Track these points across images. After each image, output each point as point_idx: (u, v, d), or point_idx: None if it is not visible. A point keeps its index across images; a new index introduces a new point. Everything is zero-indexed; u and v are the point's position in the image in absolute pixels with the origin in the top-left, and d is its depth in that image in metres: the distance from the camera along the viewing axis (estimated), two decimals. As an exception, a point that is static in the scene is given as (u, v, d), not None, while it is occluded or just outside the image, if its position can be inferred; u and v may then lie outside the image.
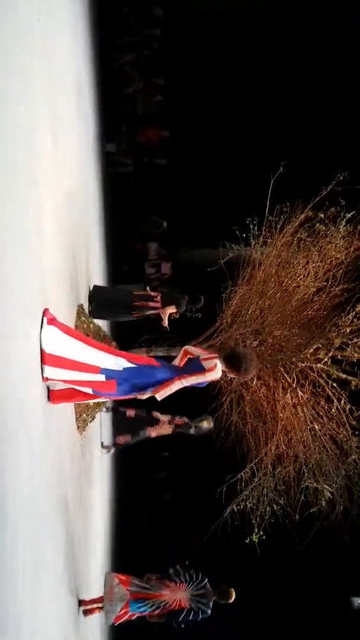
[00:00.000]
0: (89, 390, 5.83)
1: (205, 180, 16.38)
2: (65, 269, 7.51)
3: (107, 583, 8.25)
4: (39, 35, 6.16)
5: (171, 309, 10.33)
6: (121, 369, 5.87)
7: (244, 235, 10.83)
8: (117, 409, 11.46)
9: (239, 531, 10.35)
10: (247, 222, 10.72)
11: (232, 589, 8.23)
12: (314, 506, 10.32)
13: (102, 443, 11.58)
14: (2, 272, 4.22)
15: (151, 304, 10.35)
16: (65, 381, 5.68)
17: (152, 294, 10.54)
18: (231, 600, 8.20)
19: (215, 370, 6.13)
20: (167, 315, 10.32)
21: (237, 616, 14.43)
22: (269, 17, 16.05)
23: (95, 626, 9.99)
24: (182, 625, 8.12)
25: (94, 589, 8.61)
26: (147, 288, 11.00)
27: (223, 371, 6.24)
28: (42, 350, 5.37)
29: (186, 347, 6.53)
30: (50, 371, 5.47)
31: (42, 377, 5.44)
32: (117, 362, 5.88)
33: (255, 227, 10.71)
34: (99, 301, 10.14)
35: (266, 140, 15.17)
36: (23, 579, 4.28)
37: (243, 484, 10.51)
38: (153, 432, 11.21)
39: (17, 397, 4.43)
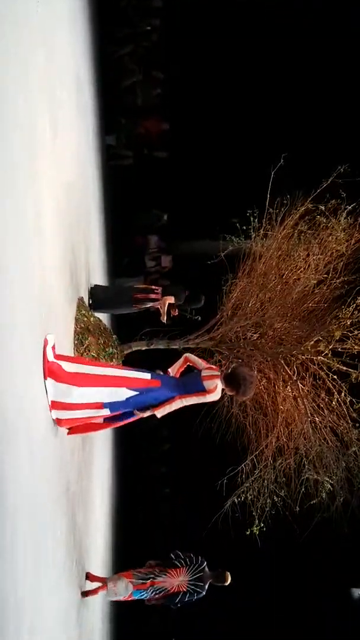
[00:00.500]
0: (99, 420, 6.11)
1: (205, 173, 16.32)
2: (66, 263, 7.53)
3: (110, 579, 8.36)
4: (38, 32, 6.15)
5: (169, 299, 10.36)
6: (124, 399, 5.98)
7: (245, 227, 10.82)
8: None
9: (240, 523, 10.39)
10: (248, 214, 10.72)
11: (228, 572, 8.39)
12: (315, 498, 10.35)
13: None
14: (2, 270, 4.22)
15: (152, 295, 10.40)
16: (75, 419, 5.91)
17: (154, 287, 10.59)
18: (227, 583, 8.37)
19: (216, 392, 6.27)
20: (166, 305, 10.35)
21: (237, 614, 14.50)
22: (269, 9, 15.98)
23: (97, 622, 10.07)
24: (179, 605, 8.41)
25: (95, 583, 8.65)
26: (152, 285, 11.01)
27: (222, 389, 6.35)
28: (49, 401, 5.61)
29: (187, 355, 6.59)
30: (59, 414, 5.73)
31: (52, 419, 5.70)
32: (118, 393, 5.97)
33: (256, 220, 10.71)
34: (99, 300, 10.24)
35: (266, 132, 15.11)
36: (24, 576, 4.29)
37: (244, 476, 10.54)
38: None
39: (17, 397, 4.44)
